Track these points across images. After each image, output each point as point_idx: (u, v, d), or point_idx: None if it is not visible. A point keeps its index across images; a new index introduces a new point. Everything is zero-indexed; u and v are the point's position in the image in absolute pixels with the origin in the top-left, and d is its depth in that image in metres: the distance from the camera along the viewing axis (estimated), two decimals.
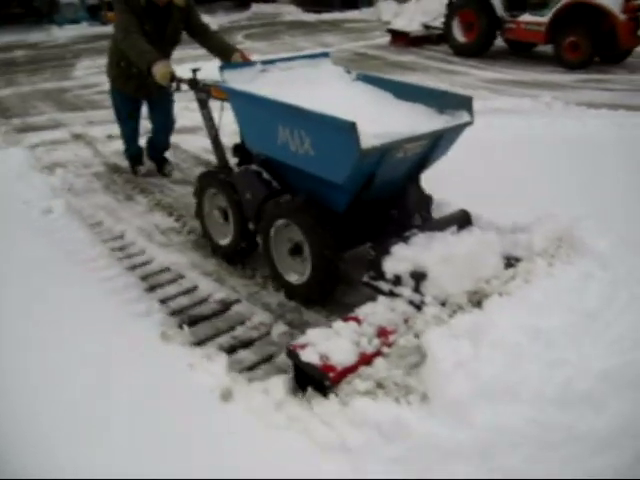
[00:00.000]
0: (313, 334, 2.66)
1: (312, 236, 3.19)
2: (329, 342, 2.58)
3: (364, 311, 2.81)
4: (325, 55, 4.09)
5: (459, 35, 11.97)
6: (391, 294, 2.88)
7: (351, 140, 2.72)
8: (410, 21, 13.43)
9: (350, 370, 2.48)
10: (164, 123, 5.46)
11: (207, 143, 5.36)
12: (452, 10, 11.88)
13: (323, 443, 2.25)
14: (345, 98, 3.52)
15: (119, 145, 5.93)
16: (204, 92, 3.95)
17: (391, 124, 3.08)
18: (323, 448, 2.23)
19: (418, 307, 2.77)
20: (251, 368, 2.94)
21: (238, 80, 3.59)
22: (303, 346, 2.59)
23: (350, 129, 2.71)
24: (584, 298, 2.64)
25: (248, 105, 3.39)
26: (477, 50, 11.76)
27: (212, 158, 6.23)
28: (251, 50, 13.35)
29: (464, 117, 3.25)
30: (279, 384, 2.58)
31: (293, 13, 22.77)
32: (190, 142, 6.59)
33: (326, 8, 21.78)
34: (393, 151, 2.96)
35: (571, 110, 7.40)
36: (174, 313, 3.43)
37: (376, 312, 2.79)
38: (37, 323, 3.08)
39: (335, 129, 2.80)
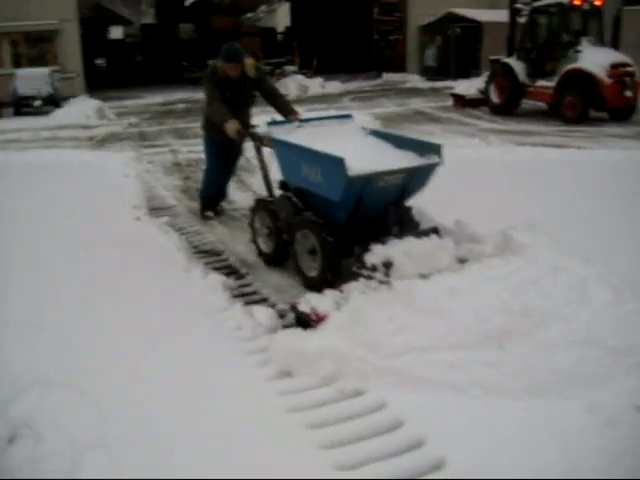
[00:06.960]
0: (309, 296, 4.01)
1: (321, 241, 4.53)
2: (318, 300, 3.92)
3: (348, 287, 4.11)
4: (348, 117, 5.52)
5: (495, 97, 14.51)
6: (369, 277, 4.17)
7: (340, 169, 4.10)
8: (469, 87, 15.85)
9: (327, 317, 3.79)
10: (230, 170, 6.94)
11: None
12: (490, 78, 14.88)
13: None
14: (355, 146, 4.88)
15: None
16: (258, 141, 5.44)
17: (380, 163, 4.43)
18: None
19: (385, 284, 4.04)
20: None
21: (280, 133, 5.04)
22: (300, 302, 3.95)
23: (340, 162, 4.09)
24: (495, 271, 3.83)
25: (283, 149, 4.84)
26: (506, 108, 14.24)
27: None
28: (345, 108, 15.90)
29: (434, 159, 4.56)
30: None
31: (413, 81, 26.14)
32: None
33: (443, 77, 24.87)
34: (374, 180, 4.30)
35: (503, 145, 10.47)
36: None
37: (356, 287, 4.09)
38: None
39: (333, 162, 4.19)
